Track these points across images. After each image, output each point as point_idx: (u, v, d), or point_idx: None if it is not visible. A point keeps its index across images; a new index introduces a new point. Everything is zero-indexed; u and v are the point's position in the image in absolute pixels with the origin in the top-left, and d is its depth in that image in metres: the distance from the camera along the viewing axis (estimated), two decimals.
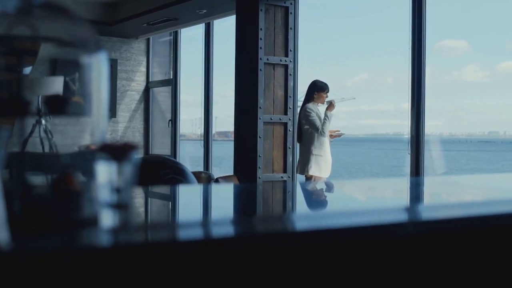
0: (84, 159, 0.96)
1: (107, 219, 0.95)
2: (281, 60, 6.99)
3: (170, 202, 1.60)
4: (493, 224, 1.26)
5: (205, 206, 1.52)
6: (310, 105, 6.50)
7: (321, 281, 1.01)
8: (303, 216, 1.37)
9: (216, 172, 7.93)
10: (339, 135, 6.80)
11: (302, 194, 1.89)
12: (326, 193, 1.90)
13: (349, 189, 2.01)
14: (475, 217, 1.27)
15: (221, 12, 8.18)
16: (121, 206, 0.94)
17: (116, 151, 0.90)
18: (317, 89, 6.53)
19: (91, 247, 0.83)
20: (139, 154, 0.93)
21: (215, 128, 9.19)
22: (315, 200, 1.78)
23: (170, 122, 9.86)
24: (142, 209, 1.34)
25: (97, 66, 0.93)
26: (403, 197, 1.84)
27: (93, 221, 0.91)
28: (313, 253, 1.00)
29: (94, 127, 0.95)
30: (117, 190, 0.92)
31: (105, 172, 0.91)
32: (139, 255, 0.84)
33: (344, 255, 1.04)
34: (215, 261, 0.90)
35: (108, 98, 0.96)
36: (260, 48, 6.83)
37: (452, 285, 1.18)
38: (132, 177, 0.92)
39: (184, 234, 1.00)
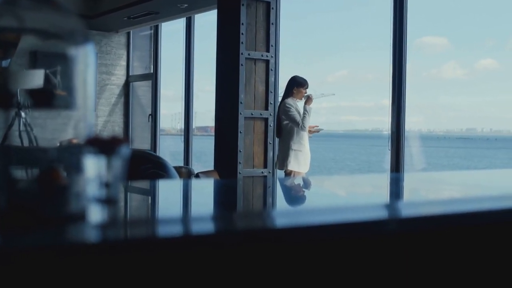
0: (72, 153, 0.94)
1: (95, 214, 0.94)
2: (262, 55, 6.97)
3: (154, 198, 1.58)
4: (474, 221, 1.26)
5: (193, 203, 1.50)
6: (289, 100, 6.51)
7: (302, 279, 1.00)
8: (283, 213, 1.36)
9: (196, 167, 7.91)
10: (318, 131, 6.82)
11: (282, 191, 1.88)
12: (306, 190, 1.89)
13: (330, 186, 2.00)
14: (456, 214, 1.27)
15: (203, 7, 8.15)
16: (109, 201, 0.92)
17: (105, 145, 0.89)
18: (296, 84, 6.54)
19: (79, 243, 0.81)
20: (128, 148, 0.91)
21: (195, 123, 9.16)
22: (296, 196, 1.77)
23: (150, 116, 9.81)
24: (124, 205, 1.32)
25: (83, 58, 0.91)
26: (386, 194, 1.84)
27: (81, 217, 0.89)
28: (293, 251, 0.99)
29: (78, 120, 0.93)
30: (106, 185, 0.90)
31: (93, 167, 0.89)
32: (127, 251, 0.82)
33: (325, 252, 1.03)
34: (200, 257, 0.89)
35: (94, 91, 0.94)
36: (242, 43, 6.81)
37: (435, 283, 1.18)
38: (121, 171, 0.90)
39: (174, 230, 0.99)
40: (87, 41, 0.92)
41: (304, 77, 6.62)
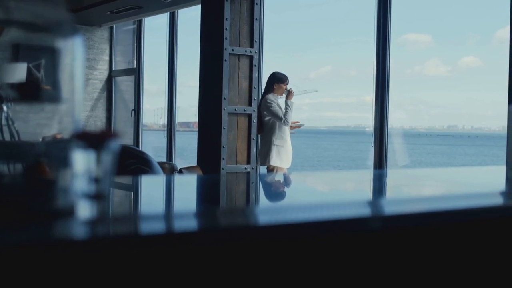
0: (59, 148, 0.93)
1: (83, 210, 0.93)
2: (246, 51, 6.96)
3: (138, 194, 1.57)
4: (459, 218, 1.26)
5: (177, 199, 1.50)
6: (270, 96, 6.52)
7: (286, 276, 1.00)
8: (266, 209, 1.35)
9: (179, 163, 7.88)
10: (299, 126, 6.85)
11: (267, 187, 1.87)
12: (291, 186, 1.89)
13: (316, 182, 2.00)
14: (440, 211, 1.27)
15: (186, 2, 8.12)
16: (98, 196, 0.91)
17: (94, 140, 0.88)
18: (276, 80, 6.57)
19: (66, 239, 0.80)
20: (118, 142, 0.90)
21: (177, 118, 9.15)
22: (280, 193, 1.76)
23: (133, 111, 9.77)
24: (109, 200, 1.31)
25: (69, 51, 0.90)
26: (369, 190, 1.84)
27: (68, 212, 0.88)
28: (276, 248, 0.99)
29: (63, 115, 0.92)
30: (95, 180, 0.89)
31: (82, 161, 0.88)
32: (111, 248, 0.82)
33: (308, 249, 1.02)
34: (184, 254, 0.88)
35: (81, 85, 0.92)
36: (225, 38, 6.80)
37: (422, 281, 1.18)
38: (110, 166, 0.89)
39: (157, 227, 0.98)
40: (73, 34, 0.91)
41: (287, 73, 6.63)
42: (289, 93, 6.52)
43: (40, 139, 0.95)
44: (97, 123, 10.23)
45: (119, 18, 9.52)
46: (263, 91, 6.72)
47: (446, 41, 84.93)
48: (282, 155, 6.46)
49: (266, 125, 6.52)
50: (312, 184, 1.93)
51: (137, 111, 9.69)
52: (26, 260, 0.75)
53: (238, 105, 6.94)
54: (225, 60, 6.80)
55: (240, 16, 6.95)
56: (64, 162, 0.90)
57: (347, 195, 1.63)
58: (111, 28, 10.29)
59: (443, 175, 2.32)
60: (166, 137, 9.02)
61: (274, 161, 6.42)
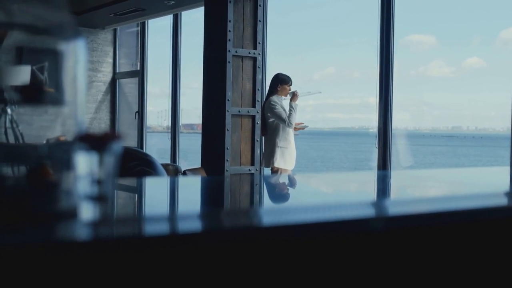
0: (63, 150, 0.93)
1: (86, 211, 0.93)
2: (249, 53, 6.96)
3: (142, 196, 1.57)
4: (462, 219, 1.26)
5: (180, 200, 1.50)
6: (274, 98, 6.52)
7: (288, 277, 1.00)
8: (271, 211, 1.35)
9: (183, 165, 7.88)
10: (303, 128, 6.85)
11: (270, 188, 1.87)
12: (295, 187, 1.89)
13: (320, 183, 2.00)
14: (444, 212, 1.27)
15: (190, 4, 8.13)
16: (101, 198, 0.91)
17: (97, 142, 0.88)
18: (280, 81, 6.57)
19: (68, 241, 0.80)
20: (121, 145, 0.90)
21: (181, 120, 9.14)
22: (285, 194, 1.76)
23: (137, 113, 9.78)
24: (113, 203, 1.31)
25: (72, 54, 0.90)
26: (372, 191, 1.84)
27: (70, 214, 0.88)
28: (281, 249, 0.99)
29: (67, 117, 0.92)
30: (98, 182, 0.89)
31: (85, 163, 0.88)
32: (115, 249, 0.82)
33: (311, 250, 1.02)
34: (188, 256, 0.88)
35: (84, 87, 0.92)
36: (229, 40, 6.80)
37: (422, 281, 1.17)
38: (113, 168, 0.89)
39: (162, 228, 0.98)
40: (76, 36, 0.91)
41: (291, 75, 6.63)
42: (294, 95, 6.52)
43: (44, 142, 0.95)
44: (101, 125, 10.25)
45: (122, 20, 9.53)
46: (266, 92, 6.72)
47: (450, 42, 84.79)
48: (286, 156, 6.46)
49: (270, 127, 6.53)
50: (316, 185, 1.93)
51: (141, 113, 9.70)
52: (29, 262, 0.75)
53: (241, 107, 6.94)
54: (229, 62, 6.80)
55: (244, 18, 6.95)
56: (68, 164, 0.90)
57: (351, 196, 1.63)
58: (115, 30, 10.31)
59: (447, 176, 2.32)
60: (170, 139, 9.03)
61: (278, 162, 6.42)
